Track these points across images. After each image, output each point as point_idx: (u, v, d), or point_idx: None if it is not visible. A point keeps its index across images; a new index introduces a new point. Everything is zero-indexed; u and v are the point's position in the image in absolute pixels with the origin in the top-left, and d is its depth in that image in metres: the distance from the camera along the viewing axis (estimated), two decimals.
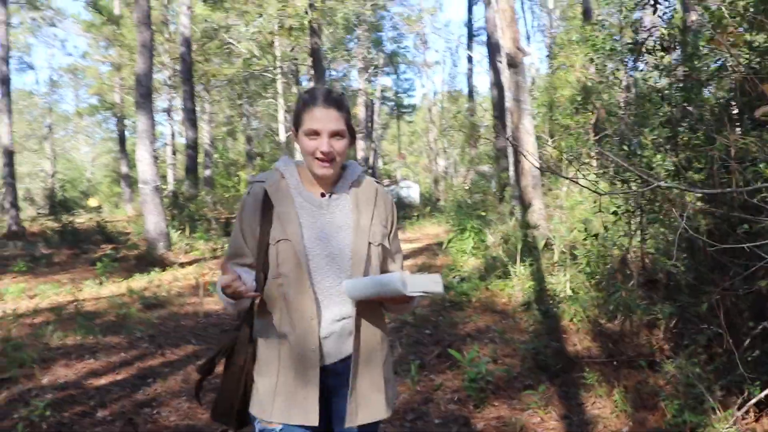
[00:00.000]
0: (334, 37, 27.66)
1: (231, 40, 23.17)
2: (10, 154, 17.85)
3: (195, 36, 22.90)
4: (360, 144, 32.59)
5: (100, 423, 4.29)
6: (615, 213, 5.68)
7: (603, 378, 4.55)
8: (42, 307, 8.09)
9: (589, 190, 3.06)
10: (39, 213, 21.20)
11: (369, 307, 2.05)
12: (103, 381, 5.16)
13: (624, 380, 4.40)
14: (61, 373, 5.35)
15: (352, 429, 2.04)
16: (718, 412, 3.51)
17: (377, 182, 2.18)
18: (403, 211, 24.39)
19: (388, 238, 2.16)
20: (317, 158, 1.99)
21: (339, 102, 2.02)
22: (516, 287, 7.66)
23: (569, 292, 6.71)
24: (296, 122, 2.05)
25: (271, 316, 2.03)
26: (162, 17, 26.19)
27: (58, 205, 19.17)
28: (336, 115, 1.99)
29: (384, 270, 2.14)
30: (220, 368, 2.12)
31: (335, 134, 1.99)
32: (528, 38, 20.22)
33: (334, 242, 2.03)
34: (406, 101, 45.48)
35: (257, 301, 2.07)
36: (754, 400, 3.44)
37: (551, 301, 6.73)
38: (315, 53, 18.10)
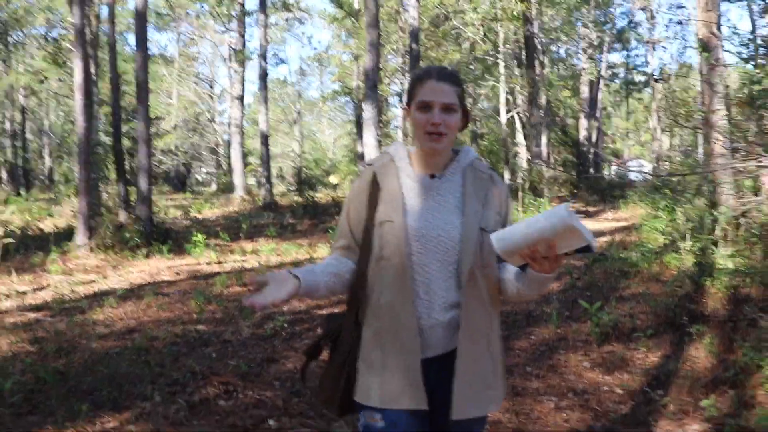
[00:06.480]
0: (559, 16, 28.03)
1: (459, 25, 24.64)
2: (266, 138, 21.23)
3: (423, 25, 24.74)
4: (583, 123, 32.64)
5: None
6: None
7: (710, 331, 5.37)
8: (286, 261, 10.39)
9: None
10: (288, 189, 24.66)
11: (478, 298, 1.94)
12: (324, 311, 6.98)
13: (730, 333, 5.21)
14: (295, 305, 7.30)
15: (458, 421, 1.93)
16: None
17: (492, 170, 2.08)
18: (621, 190, 24.37)
19: (503, 227, 1.92)
20: (427, 131, 1.92)
21: (453, 77, 1.96)
22: (686, 261, 8.30)
23: (729, 265, 7.28)
24: (409, 98, 2.00)
25: (373, 300, 1.96)
26: (396, 7, 28.54)
27: (304, 182, 22.27)
28: (449, 89, 1.92)
29: (500, 263, 1.97)
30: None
31: (447, 107, 1.92)
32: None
33: (442, 225, 1.92)
34: (636, 78, 44.16)
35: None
36: None
37: (707, 271, 7.36)
38: (528, 40, 19.02)
